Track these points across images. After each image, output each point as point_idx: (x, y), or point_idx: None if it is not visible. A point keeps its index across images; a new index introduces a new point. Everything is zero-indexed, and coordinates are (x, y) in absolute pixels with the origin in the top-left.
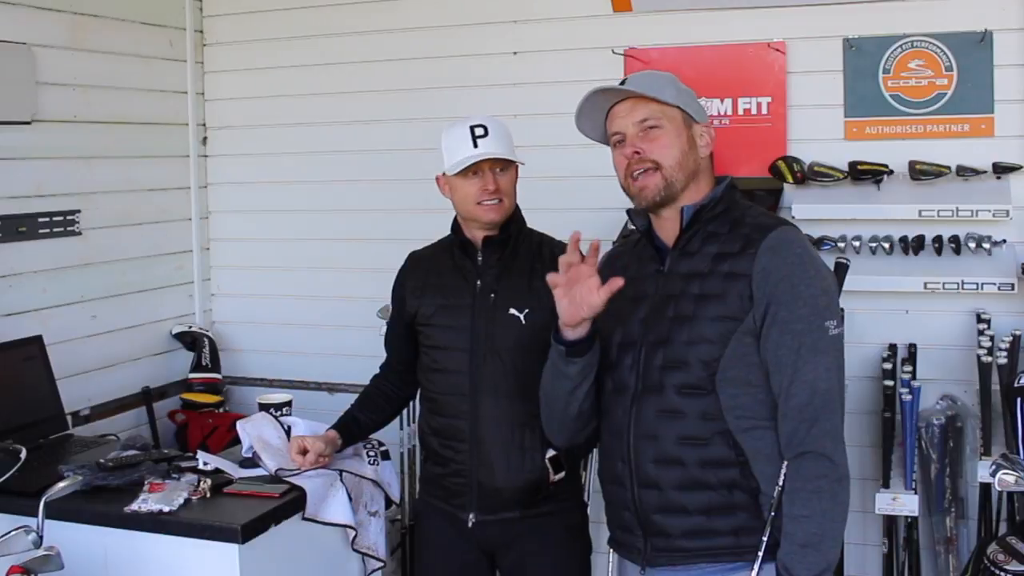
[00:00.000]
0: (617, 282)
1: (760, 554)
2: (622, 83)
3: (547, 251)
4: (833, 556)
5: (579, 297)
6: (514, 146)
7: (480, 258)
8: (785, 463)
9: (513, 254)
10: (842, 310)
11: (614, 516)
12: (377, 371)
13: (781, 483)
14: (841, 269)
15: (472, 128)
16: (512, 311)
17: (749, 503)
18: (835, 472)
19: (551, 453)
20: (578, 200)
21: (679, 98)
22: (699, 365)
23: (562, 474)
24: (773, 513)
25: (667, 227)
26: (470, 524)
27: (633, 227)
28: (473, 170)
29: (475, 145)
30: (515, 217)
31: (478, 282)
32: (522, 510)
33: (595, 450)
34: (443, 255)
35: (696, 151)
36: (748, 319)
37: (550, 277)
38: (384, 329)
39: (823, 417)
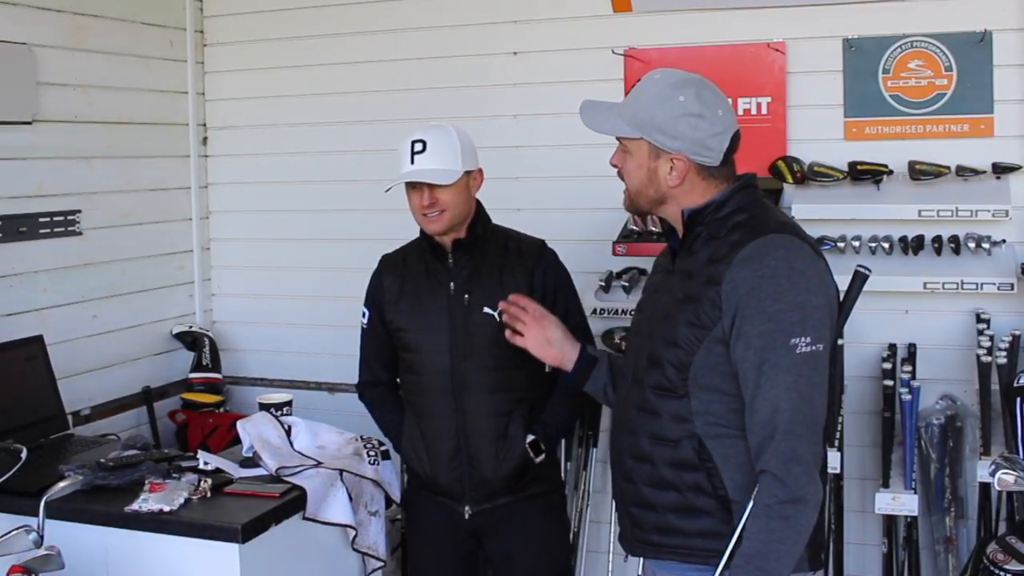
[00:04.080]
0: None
1: (723, 561)
2: (634, 87)
3: (513, 246)
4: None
5: (543, 337)
6: (463, 154)
7: (451, 261)
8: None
9: (482, 254)
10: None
11: (614, 503)
12: (363, 392)
13: (754, 495)
14: (858, 279)
15: (412, 143)
16: (486, 310)
17: (716, 508)
18: (786, 494)
19: (530, 438)
20: (578, 200)
21: (643, 129)
22: (671, 367)
23: (543, 456)
24: (743, 523)
25: (679, 227)
26: (467, 516)
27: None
28: (412, 184)
29: (412, 161)
30: (479, 217)
31: (451, 285)
32: (512, 495)
33: (592, 452)
34: (415, 260)
35: (658, 182)
36: (717, 328)
37: (508, 336)
38: None
39: (779, 437)
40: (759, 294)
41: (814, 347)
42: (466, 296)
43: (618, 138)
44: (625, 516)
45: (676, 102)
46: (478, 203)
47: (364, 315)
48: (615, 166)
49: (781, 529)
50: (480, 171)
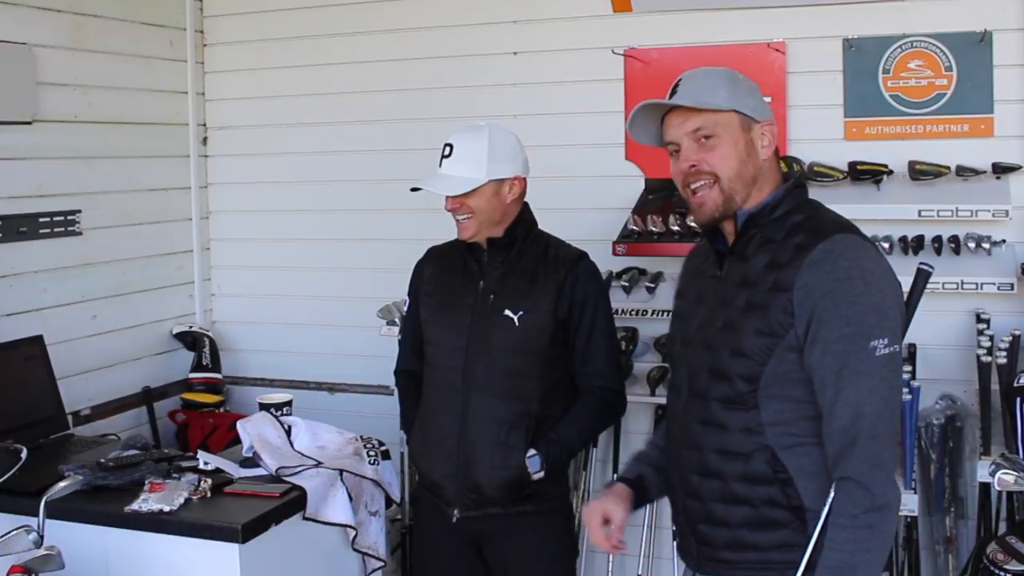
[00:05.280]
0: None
1: (801, 571)
2: (675, 86)
3: (552, 253)
4: None
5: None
6: (490, 162)
7: (485, 259)
8: (834, 483)
9: (518, 256)
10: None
11: (673, 518)
12: (397, 379)
13: (830, 502)
14: (922, 277)
15: (444, 146)
16: (507, 312)
17: (791, 519)
18: (872, 502)
19: (531, 453)
20: (578, 200)
21: (734, 100)
22: (740, 380)
23: (541, 474)
24: (817, 533)
25: (727, 230)
26: (454, 520)
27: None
28: None
29: (440, 164)
30: (521, 220)
31: (481, 283)
32: (505, 507)
33: (592, 452)
34: (456, 254)
35: (756, 156)
36: (790, 335)
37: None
38: (385, 329)
39: (864, 443)
40: (835, 298)
41: (891, 348)
42: (492, 296)
43: (695, 131)
44: (690, 534)
45: (746, 82)
46: (525, 206)
47: (406, 303)
48: (693, 165)
49: (868, 539)
50: (519, 179)
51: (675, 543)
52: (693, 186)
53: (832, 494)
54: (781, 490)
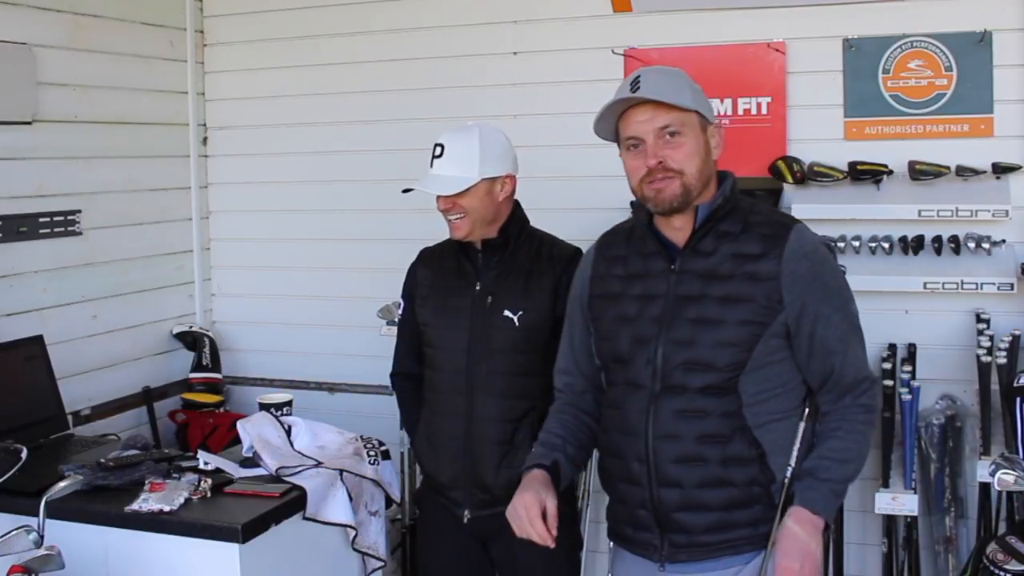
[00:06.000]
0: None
1: (773, 537)
2: (635, 81)
3: (545, 251)
4: (853, 475)
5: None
6: (481, 161)
7: (480, 260)
8: (803, 421)
9: (512, 256)
10: None
11: (625, 514)
12: (394, 382)
13: (792, 464)
14: None
15: (435, 146)
16: (506, 313)
17: (764, 495)
18: (874, 417)
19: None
20: (578, 200)
21: (696, 101)
22: (726, 368)
23: None
24: (781, 504)
25: (674, 224)
26: (465, 520)
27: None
28: None
29: (432, 165)
30: (513, 219)
31: (478, 284)
32: None
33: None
34: (450, 256)
35: (711, 156)
36: (777, 321)
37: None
38: (385, 329)
39: (865, 381)
40: (824, 278)
41: (856, 308)
42: (489, 298)
43: (662, 128)
44: (657, 525)
45: (696, 84)
46: (516, 205)
47: (400, 306)
48: (660, 161)
49: (863, 444)
50: (510, 176)
51: (611, 537)
52: (653, 182)
53: (795, 457)
54: (759, 467)
